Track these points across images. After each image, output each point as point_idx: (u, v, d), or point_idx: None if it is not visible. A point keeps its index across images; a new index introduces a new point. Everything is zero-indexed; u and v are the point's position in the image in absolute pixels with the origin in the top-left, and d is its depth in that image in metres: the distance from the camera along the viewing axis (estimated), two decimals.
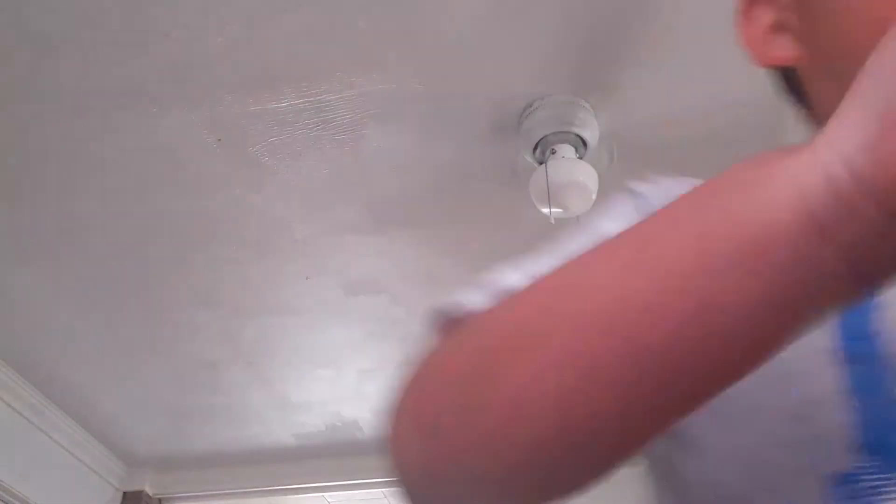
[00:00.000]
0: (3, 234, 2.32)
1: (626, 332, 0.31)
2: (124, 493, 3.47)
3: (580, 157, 2.01)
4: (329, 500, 3.79)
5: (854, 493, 0.37)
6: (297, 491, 3.56)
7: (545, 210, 1.99)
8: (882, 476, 0.37)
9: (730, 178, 0.32)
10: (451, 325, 0.43)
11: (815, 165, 0.28)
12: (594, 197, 1.96)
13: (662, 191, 0.51)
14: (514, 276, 0.46)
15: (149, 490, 3.49)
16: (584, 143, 2.02)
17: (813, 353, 0.41)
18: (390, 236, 2.35)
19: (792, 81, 0.50)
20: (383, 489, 3.62)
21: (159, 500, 3.53)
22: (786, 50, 0.48)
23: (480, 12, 1.76)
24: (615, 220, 0.49)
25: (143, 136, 2.03)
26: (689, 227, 0.32)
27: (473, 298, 0.44)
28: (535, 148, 2.01)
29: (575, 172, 1.95)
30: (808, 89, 0.48)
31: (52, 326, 2.69)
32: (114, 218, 2.27)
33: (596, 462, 0.34)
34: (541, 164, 2.01)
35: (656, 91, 1.93)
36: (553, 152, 1.99)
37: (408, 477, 0.41)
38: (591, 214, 0.59)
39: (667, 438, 0.47)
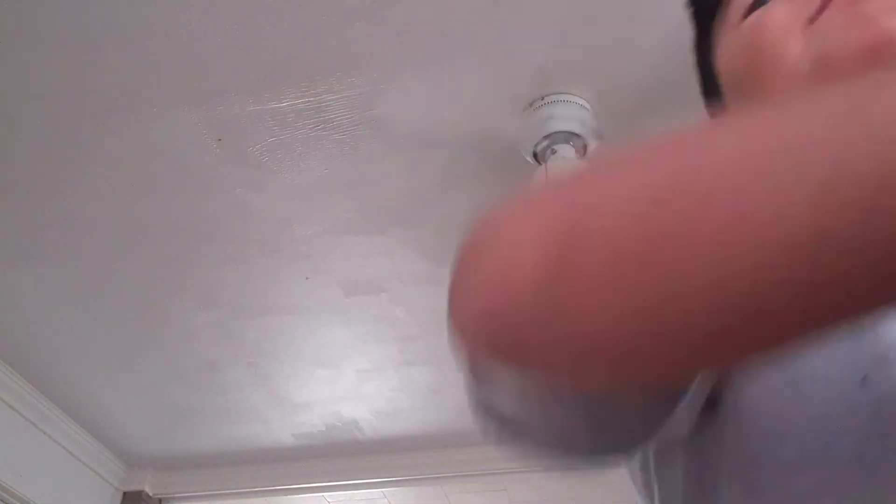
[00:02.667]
0: (3, 233, 2.32)
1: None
2: (124, 493, 3.47)
3: (580, 158, 2.01)
4: (329, 500, 3.79)
5: None
6: (296, 491, 3.56)
7: None
8: None
9: None
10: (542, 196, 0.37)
11: None
12: None
13: None
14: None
15: (149, 490, 3.49)
16: (585, 144, 2.02)
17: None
18: (390, 236, 2.35)
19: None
20: (383, 489, 3.63)
21: (159, 500, 3.53)
22: None
23: (480, 12, 1.76)
24: None
25: (143, 136, 2.03)
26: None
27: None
28: (535, 148, 2.01)
29: None
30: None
31: (52, 326, 2.70)
32: (114, 218, 2.27)
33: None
34: (541, 164, 2.01)
35: (657, 89, 1.93)
36: (553, 152, 1.99)
37: (510, 295, 0.32)
38: None
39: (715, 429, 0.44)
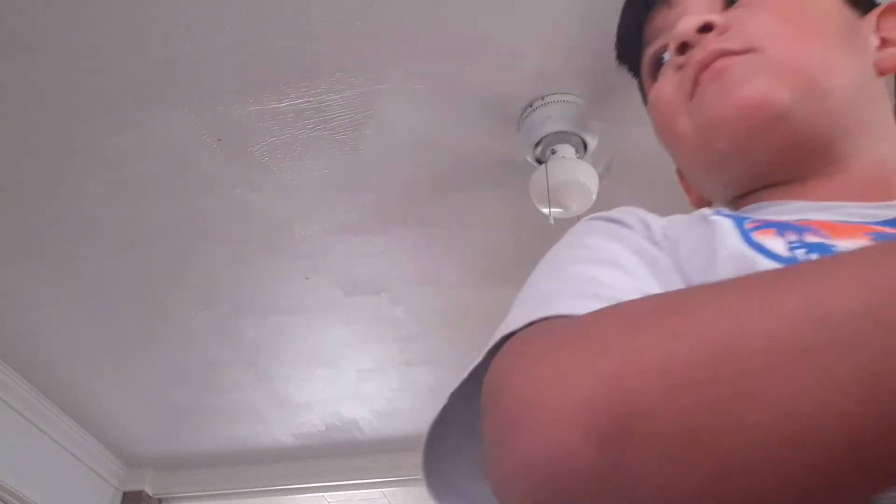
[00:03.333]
0: (3, 233, 2.32)
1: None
2: (124, 493, 3.47)
3: (580, 158, 2.01)
4: (329, 500, 3.79)
5: None
6: (296, 491, 3.56)
7: (545, 210, 1.99)
8: None
9: None
10: (560, 326, 0.38)
11: None
12: (594, 197, 1.96)
13: (634, 217, 0.53)
14: (620, 282, 0.43)
15: (149, 490, 3.49)
16: (584, 144, 2.02)
17: None
18: (390, 236, 2.35)
19: None
20: (383, 489, 3.63)
21: (159, 500, 3.53)
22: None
23: (480, 12, 1.76)
24: (615, 243, 0.48)
25: (143, 136, 2.03)
26: None
27: (581, 305, 0.39)
28: (535, 148, 2.01)
29: (575, 172, 1.95)
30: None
31: (52, 326, 2.70)
32: (113, 217, 2.27)
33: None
34: (541, 164, 2.01)
35: None
36: (553, 152, 1.99)
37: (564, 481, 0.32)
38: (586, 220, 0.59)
39: None
